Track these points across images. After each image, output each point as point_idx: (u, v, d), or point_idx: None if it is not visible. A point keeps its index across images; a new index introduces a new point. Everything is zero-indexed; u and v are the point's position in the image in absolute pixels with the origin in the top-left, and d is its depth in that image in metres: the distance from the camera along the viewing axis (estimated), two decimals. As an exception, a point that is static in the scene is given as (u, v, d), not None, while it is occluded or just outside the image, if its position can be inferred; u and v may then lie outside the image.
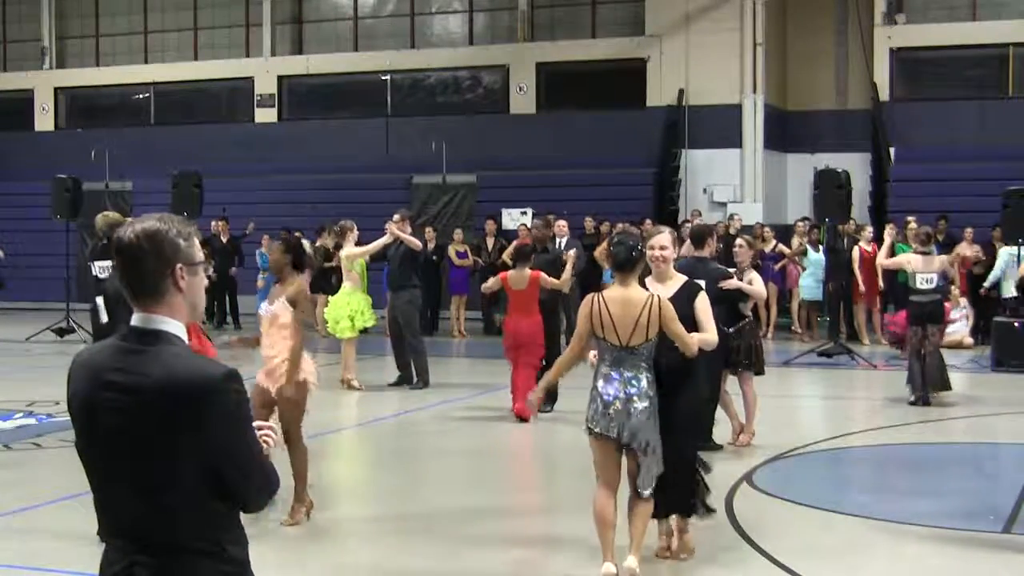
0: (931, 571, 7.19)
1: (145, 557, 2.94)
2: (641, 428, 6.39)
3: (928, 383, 12.80)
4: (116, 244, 3.01)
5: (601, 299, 6.48)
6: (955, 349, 17.56)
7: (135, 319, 3.02)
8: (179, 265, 3.00)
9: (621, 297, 6.43)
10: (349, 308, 14.08)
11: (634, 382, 6.40)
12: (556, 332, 12.88)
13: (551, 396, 12.58)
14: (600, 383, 6.49)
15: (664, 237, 6.98)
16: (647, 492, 6.53)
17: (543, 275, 12.11)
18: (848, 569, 7.17)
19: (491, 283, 12.56)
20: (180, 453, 2.90)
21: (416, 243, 14.32)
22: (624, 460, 6.59)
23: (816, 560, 7.18)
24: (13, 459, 10.56)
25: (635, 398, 6.38)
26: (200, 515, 2.96)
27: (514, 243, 12.93)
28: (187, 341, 3.06)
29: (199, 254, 3.08)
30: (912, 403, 12.80)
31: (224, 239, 22.62)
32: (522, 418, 12.01)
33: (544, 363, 12.36)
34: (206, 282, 3.13)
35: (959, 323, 18.48)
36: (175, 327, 3.01)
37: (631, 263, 6.44)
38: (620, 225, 19.28)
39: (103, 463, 3.00)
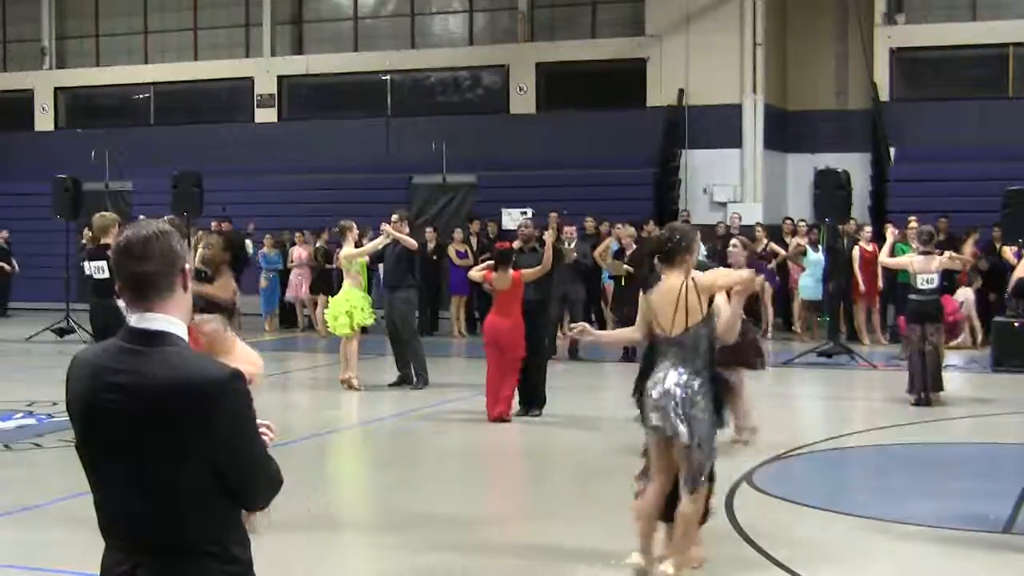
0: (931, 571, 7.20)
1: (149, 559, 2.94)
2: (687, 421, 6.23)
3: (927, 383, 12.80)
4: (125, 244, 3.01)
5: (649, 292, 6.46)
6: (956, 349, 17.54)
7: (136, 320, 3.01)
8: (187, 265, 3.02)
9: (663, 287, 6.39)
10: (348, 304, 14.10)
11: (678, 372, 6.30)
12: (542, 333, 12.80)
13: (538, 401, 12.52)
14: (651, 374, 6.44)
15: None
16: (689, 488, 6.38)
17: (525, 271, 12.02)
18: (848, 569, 7.17)
19: (475, 275, 12.49)
20: (185, 453, 2.90)
21: (412, 243, 14.33)
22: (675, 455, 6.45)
23: (816, 560, 7.17)
24: (13, 459, 10.56)
25: (679, 389, 6.26)
26: (204, 515, 2.96)
27: (496, 245, 12.85)
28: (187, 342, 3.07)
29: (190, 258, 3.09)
30: (915, 404, 12.79)
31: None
32: (501, 420, 11.96)
33: (525, 366, 12.30)
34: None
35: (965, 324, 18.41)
36: (177, 327, 3.01)
37: (670, 254, 6.38)
38: (618, 226, 19.34)
39: (105, 464, 2.99)
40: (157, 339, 2.97)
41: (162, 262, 2.99)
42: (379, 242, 14.29)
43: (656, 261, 6.48)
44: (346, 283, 14.38)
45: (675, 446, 6.28)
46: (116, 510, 3.00)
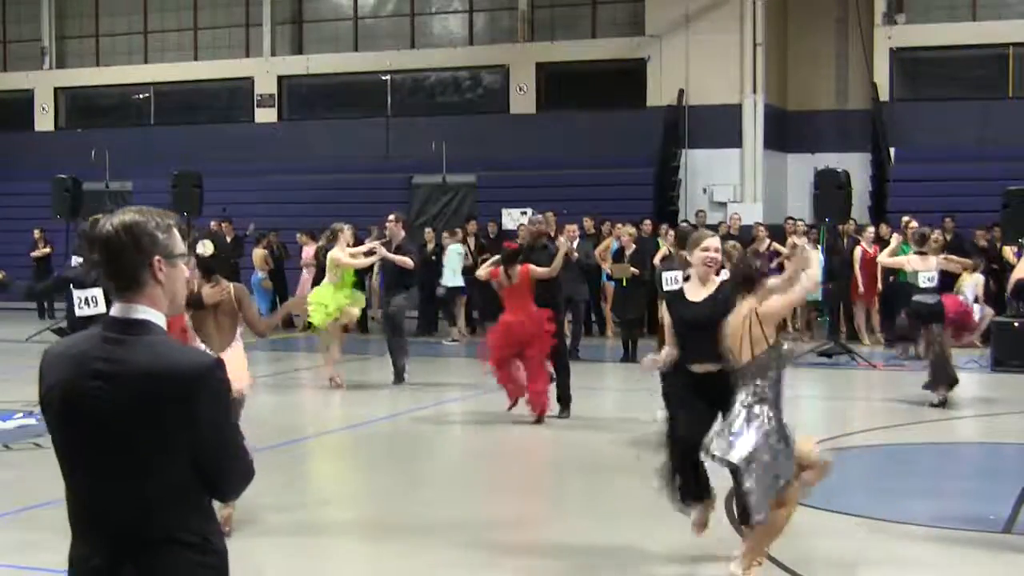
0: (931, 571, 7.19)
1: (131, 550, 2.93)
2: (738, 442, 6.24)
3: (942, 382, 12.76)
4: (96, 237, 3.03)
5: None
6: (972, 348, 17.49)
7: (115, 309, 3.02)
8: (157, 257, 3.01)
9: (738, 316, 6.37)
10: (321, 298, 14.08)
11: (740, 399, 6.33)
12: (559, 333, 12.76)
13: (565, 401, 12.43)
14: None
15: (717, 240, 7.12)
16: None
17: (532, 267, 11.90)
18: (848, 570, 7.16)
19: (482, 273, 12.44)
20: (169, 441, 2.90)
21: (407, 262, 14.19)
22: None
23: (816, 561, 7.17)
24: (13, 459, 10.56)
25: (742, 412, 6.30)
26: (186, 506, 2.97)
27: (503, 245, 12.78)
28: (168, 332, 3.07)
29: (179, 246, 3.07)
30: (937, 404, 12.69)
31: (228, 239, 22.59)
32: (540, 418, 11.85)
33: (554, 361, 12.23)
34: (187, 274, 3.14)
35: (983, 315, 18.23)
36: (156, 316, 3.01)
37: (751, 283, 6.43)
38: (618, 225, 19.32)
39: (88, 455, 2.97)
40: (137, 328, 2.98)
41: (123, 259, 2.99)
42: (370, 260, 14.54)
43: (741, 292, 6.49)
44: (324, 282, 14.45)
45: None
46: (96, 501, 2.98)
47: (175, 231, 3.08)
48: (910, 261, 13.01)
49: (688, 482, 7.00)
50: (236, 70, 28.26)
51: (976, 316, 17.26)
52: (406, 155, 25.82)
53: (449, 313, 20.65)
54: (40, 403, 3.07)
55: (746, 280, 6.42)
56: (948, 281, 15.68)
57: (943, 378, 12.79)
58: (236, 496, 3.19)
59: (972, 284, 17.60)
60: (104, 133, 28.32)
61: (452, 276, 20.02)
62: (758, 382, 6.30)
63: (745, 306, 6.35)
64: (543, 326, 11.77)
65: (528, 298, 11.86)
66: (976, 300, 17.51)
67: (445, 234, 20.78)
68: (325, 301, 14.04)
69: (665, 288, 7.26)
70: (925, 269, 12.80)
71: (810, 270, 6.51)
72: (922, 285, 12.80)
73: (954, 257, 14.59)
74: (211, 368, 2.95)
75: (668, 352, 7.14)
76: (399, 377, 14.42)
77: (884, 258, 14.25)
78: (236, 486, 3.11)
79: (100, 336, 3.00)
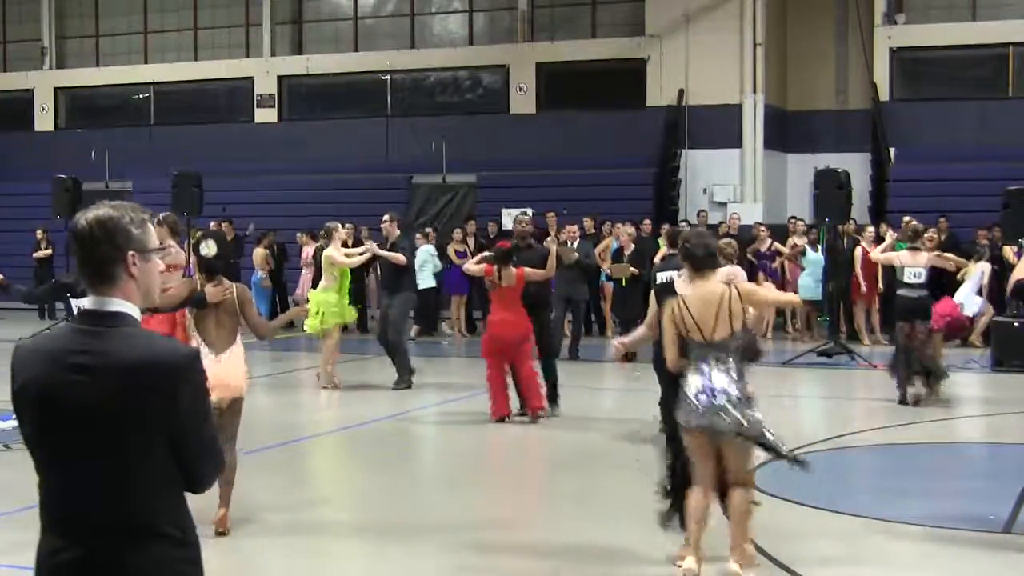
0: (931, 571, 7.20)
1: (114, 544, 2.93)
2: (745, 417, 6.34)
3: (932, 378, 12.77)
4: (72, 231, 3.04)
5: (681, 301, 6.50)
6: (970, 348, 17.50)
7: (89, 302, 3.02)
8: (131, 252, 3.01)
9: (701, 294, 6.46)
10: (317, 306, 14.11)
11: (725, 374, 6.36)
12: (551, 330, 12.77)
13: (553, 397, 12.49)
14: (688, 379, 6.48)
15: None
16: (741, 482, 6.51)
17: (527, 270, 12.00)
18: (847, 569, 7.17)
19: (473, 268, 12.46)
20: (151, 432, 2.91)
21: (399, 258, 14.23)
22: (725, 453, 6.46)
23: (815, 560, 7.17)
24: (13, 459, 10.54)
25: (734, 387, 6.34)
26: (166, 498, 2.98)
27: (497, 245, 12.77)
28: (144, 326, 3.08)
29: (152, 241, 3.08)
30: (901, 402, 12.77)
31: (228, 239, 22.57)
32: (534, 417, 11.94)
33: (541, 356, 12.33)
34: (162, 267, 3.14)
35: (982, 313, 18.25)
36: (130, 309, 3.02)
37: (706, 263, 6.52)
38: (618, 225, 19.34)
39: (68, 450, 2.97)
40: (113, 320, 2.98)
41: (97, 253, 2.99)
42: (364, 258, 14.57)
43: (690, 269, 6.56)
44: (322, 284, 14.48)
45: (730, 443, 6.37)
46: (76, 496, 2.97)
47: (149, 226, 3.09)
48: (900, 257, 13.03)
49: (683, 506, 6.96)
50: (236, 70, 28.26)
51: (976, 311, 17.25)
52: (406, 155, 25.83)
53: (436, 314, 20.57)
54: (13, 399, 3.04)
55: (706, 258, 6.48)
56: (946, 280, 15.70)
57: (932, 373, 12.84)
58: (207, 487, 3.16)
59: (978, 273, 17.56)
60: (104, 133, 28.32)
61: (421, 277, 19.68)
62: (736, 356, 6.40)
63: (715, 284, 6.44)
64: (528, 331, 11.92)
65: (519, 299, 11.92)
66: (980, 292, 17.50)
67: (418, 236, 20.63)
68: (319, 309, 14.09)
69: (657, 283, 7.32)
70: (913, 265, 12.81)
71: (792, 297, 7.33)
72: (907, 280, 12.82)
73: (949, 254, 14.58)
74: (191, 359, 2.98)
75: (640, 333, 7.34)
76: (402, 382, 14.39)
77: (877, 254, 14.31)
78: (209, 477, 3.11)
79: (75, 330, 3.00)
